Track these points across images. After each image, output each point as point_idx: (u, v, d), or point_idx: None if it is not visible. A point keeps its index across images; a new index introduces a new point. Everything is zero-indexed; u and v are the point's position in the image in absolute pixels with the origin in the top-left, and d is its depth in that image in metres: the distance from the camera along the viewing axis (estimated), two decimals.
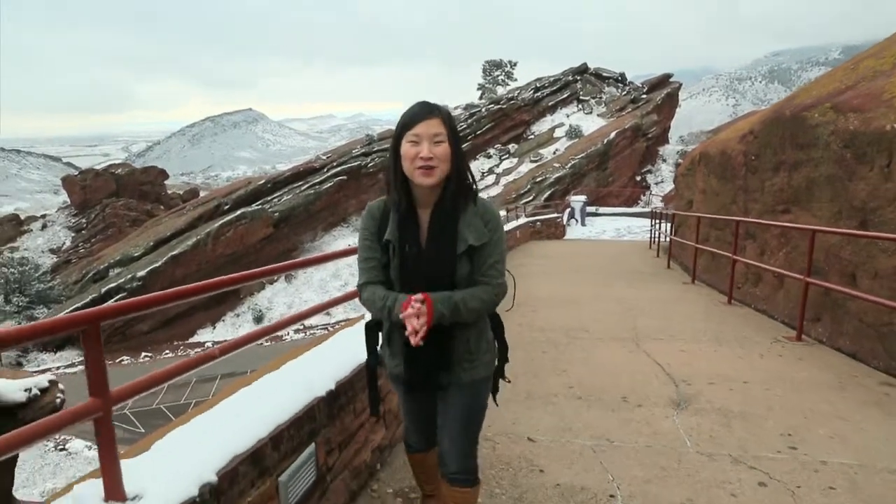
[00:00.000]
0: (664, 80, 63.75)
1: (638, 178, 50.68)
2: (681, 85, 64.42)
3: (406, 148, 1.83)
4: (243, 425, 1.99)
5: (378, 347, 2.15)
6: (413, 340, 1.73)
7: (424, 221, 1.93)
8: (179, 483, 1.62)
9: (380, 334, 2.14)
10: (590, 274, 10.75)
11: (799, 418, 3.73)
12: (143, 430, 15.91)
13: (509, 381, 2.25)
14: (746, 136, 8.68)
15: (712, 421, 3.67)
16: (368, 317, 2.19)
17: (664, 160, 53.52)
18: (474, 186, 1.97)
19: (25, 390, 3.64)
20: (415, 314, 1.73)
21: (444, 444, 2.10)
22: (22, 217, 76.41)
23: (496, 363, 2.14)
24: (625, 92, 64.18)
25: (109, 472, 1.54)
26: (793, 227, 6.56)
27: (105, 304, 1.66)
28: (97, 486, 1.56)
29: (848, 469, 3.03)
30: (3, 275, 41.38)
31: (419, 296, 1.76)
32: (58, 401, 3.91)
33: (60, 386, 4.00)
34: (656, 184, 50.76)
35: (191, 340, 36.29)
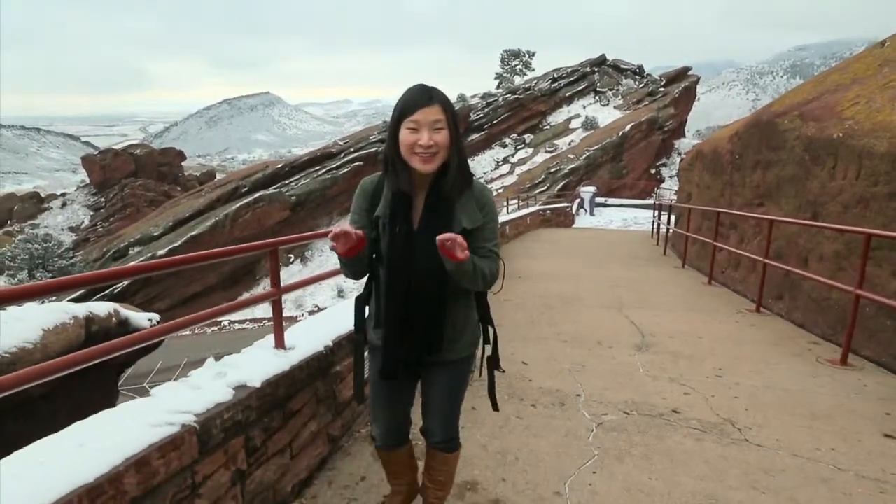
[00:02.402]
0: (682, 73, 64.03)
1: (652, 171, 51.21)
2: (699, 78, 64.66)
3: (405, 134, 1.81)
4: (338, 324, 3.19)
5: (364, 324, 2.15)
6: (460, 254, 1.70)
7: (419, 204, 1.92)
8: (314, 343, 2.83)
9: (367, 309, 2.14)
10: (591, 257, 11.88)
11: (732, 360, 4.88)
12: None
13: (503, 371, 2.26)
14: (733, 137, 9.73)
15: (663, 359, 4.85)
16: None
17: (679, 154, 54.02)
18: (470, 171, 1.97)
19: (149, 320, 4.88)
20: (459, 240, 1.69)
21: (430, 418, 2.16)
22: (42, 195, 77.96)
23: (482, 344, 2.16)
24: (642, 84, 64.66)
25: (278, 333, 2.75)
26: (756, 216, 7.66)
27: (280, 237, 2.84)
28: (269, 340, 2.77)
29: (753, 388, 4.19)
30: (28, 250, 42.93)
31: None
32: None
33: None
34: (670, 177, 51.26)
35: (209, 320, 37.28)
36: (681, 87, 59.08)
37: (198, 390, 2.19)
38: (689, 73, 64.28)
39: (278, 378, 2.44)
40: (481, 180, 1.98)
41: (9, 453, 1.68)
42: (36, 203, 72.99)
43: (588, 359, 4.79)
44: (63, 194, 76.77)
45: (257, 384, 2.31)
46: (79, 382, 4.42)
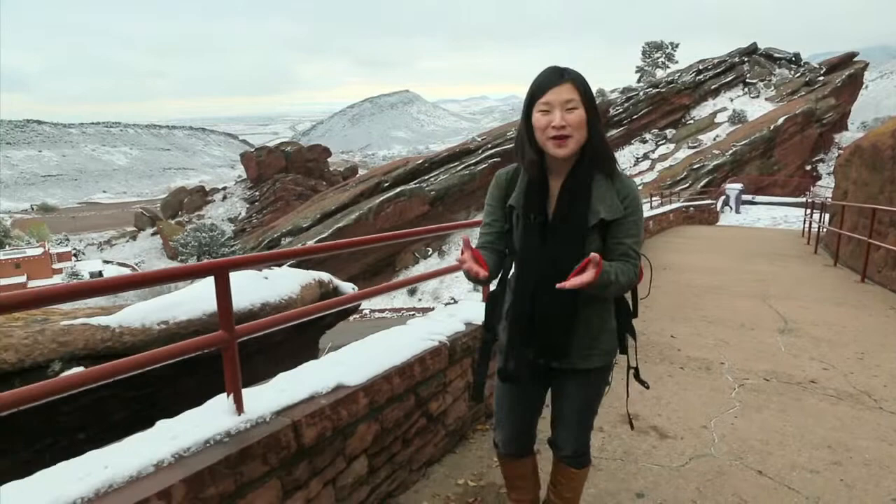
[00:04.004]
0: (847, 60, 58.78)
1: (808, 168, 47.78)
2: (867, 65, 59.05)
3: (537, 118, 1.72)
4: None
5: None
6: (572, 282, 1.59)
7: (555, 191, 1.81)
8: None
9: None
10: (735, 253, 11.93)
11: (876, 347, 5.15)
12: None
13: (648, 387, 2.11)
14: (895, 132, 9.48)
15: (805, 341, 5.24)
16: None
17: (840, 148, 49.84)
18: (613, 157, 1.82)
19: (352, 287, 6.06)
20: (593, 264, 1.58)
21: (559, 430, 2.04)
22: (206, 189, 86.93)
23: (618, 353, 1.97)
24: (798, 74, 60.35)
25: (486, 289, 3.62)
26: None
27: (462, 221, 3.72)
28: (478, 295, 3.65)
29: (895, 370, 4.51)
30: (198, 238, 48.51)
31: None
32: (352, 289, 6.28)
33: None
34: (828, 174, 47.58)
35: (408, 286, 39.37)
36: (844, 75, 54.36)
37: (440, 322, 3.12)
38: (856, 59, 58.86)
39: None
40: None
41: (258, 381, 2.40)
42: (201, 196, 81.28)
43: (731, 337, 5.30)
44: (224, 188, 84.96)
45: (479, 322, 3.20)
46: (296, 335, 5.60)
